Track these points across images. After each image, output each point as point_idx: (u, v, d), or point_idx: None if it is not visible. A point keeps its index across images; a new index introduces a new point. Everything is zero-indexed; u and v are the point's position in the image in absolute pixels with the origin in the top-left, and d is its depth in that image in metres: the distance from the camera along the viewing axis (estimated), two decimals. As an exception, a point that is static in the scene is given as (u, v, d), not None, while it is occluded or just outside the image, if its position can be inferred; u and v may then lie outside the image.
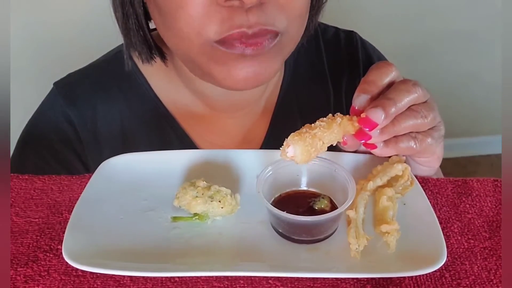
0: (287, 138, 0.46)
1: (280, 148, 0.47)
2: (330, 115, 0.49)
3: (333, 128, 0.47)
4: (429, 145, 0.52)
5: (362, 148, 0.52)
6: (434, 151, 0.54)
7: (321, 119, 0.48)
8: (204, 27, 0.52)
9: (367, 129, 0.48)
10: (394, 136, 0.50)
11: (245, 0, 0.48)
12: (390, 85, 0.51)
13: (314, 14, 0.66)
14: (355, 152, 0.55)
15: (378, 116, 0.47)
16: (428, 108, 0.51)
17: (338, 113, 0.49)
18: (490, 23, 1.93)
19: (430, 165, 0.56)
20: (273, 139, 0.72)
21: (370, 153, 0.53)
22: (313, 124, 0.47)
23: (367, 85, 0.51)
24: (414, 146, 0.50)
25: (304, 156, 0.45)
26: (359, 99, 0.50)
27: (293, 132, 0.74)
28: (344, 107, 0.77)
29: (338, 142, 0.49)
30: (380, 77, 0.51)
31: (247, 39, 0.52)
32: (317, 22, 0.69)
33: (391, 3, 1.89)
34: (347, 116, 0.49)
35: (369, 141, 0.49)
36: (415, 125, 0.50)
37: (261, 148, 0.71)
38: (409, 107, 0.50)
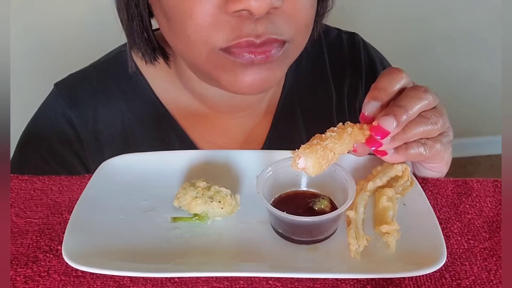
0: (297, 149, 0.46)
1: (291, 157, 0.46)
2: (340, 124, 0.49)
3: (344, 138, 0.47)
4: (438, 151, 0.52)
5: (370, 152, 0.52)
6: (443, 157, 0.54)
7: (331, 129, 0.48)
8: (211, 36, 0.52)
9: (379, 137, 0.48)
10: (405, 143, 0.50)
11: (255, 11, 0.48)
12: (401, 91, 0.51)
13: (319, 20, 0.67)
14: None
15: (390, 124, 0.47)
16: (438, 114, 0.51)
17: (348, 122, 0.49)
18: (490, 23, 1.93)
19: (438, 170, 0.56)
20: (275, 140, 0.72)
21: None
22: (323, 135, 0.47)
23: (378, 91, 0.50)
24: (424, 152, 0.51)
25: (316, 168, 0.45)
26: (370, 106, 0.50)
27: (294, 130, 0.74)
28: (346, 109, 0.77)
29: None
30: (390, 84, 0.51)
31: (255, 48, 0.52)
32: (321, 27, 0.70)
33: (391, 4, 1.89)
34: (358, 124, 0.49)
35: (379, 148, 0.49)
36: (425, 131, 0.50)
37: (262, 149, 0.71)
38: (419, 114, 0.50)
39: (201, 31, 0.52)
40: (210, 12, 0.51)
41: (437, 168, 0.55)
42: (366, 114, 0.50)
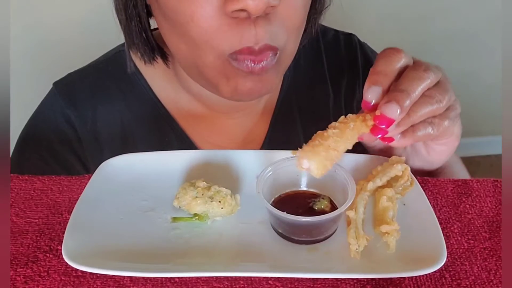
0: (299, 148, 0.45)
1: (291, 154, 0.47)
2: (342, 117, 0.48)
3: (346, 134, 0.46)
4: (447, 128, 0.50)
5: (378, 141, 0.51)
6: (452, 132, 0.52)
7: (333, 124, 0.47)
8: (216, 40, 0.52)
9: (384, 126, 0.47)
10: (411, 126, 0.49)
11: (252, 11, 0.48)
12: (402, 71, 0.49)
13: (316, 18, 0.67)
14: (354, 152, 0.55)
15: (393, 111, 0.46)
16: (442, 91, 0.49)
17: (350, 115, 0.48)
18: (490, 23, 1.93)
19: (449, 145, 0.55)
20: (274, 140, 0.72)
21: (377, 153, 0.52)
22: (325, 133, 0.46)
23: (377, 76, 0.48)
24: (432, 132, 0.49)
25: (320, 170, 0.44)
26: (371, 92, 0.48)
27: (292, 129, 0.73)
28: (343, 109, 0.77)
29: None
30: (389, 66, 0.49)
31: (255, 57, 0.52)
32: (319, 25, 0.70)
33: (391, 4, 1.89)
34: (360, 117, 0.48)
35: (385, 135, 0.48)
36: (431, 111, 0.48)
37: (261, 148, 0.71)
38: (423, 94, 0.48)
39: (204, 34, 0.52)
40: (211, 15, 0.51)
41: (448, 143, 0.54)
42: (367, 100, 0.48)
